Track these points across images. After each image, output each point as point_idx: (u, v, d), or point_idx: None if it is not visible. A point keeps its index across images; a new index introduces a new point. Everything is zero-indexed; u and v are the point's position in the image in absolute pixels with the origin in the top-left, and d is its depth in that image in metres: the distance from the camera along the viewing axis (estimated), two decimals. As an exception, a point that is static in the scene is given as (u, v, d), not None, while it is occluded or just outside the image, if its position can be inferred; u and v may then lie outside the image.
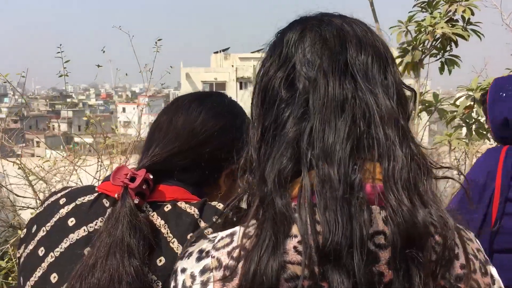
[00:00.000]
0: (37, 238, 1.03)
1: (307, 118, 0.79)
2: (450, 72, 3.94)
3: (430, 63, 4.05)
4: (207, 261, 0.78)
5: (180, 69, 32.62)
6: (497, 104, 1.94)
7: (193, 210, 1.02)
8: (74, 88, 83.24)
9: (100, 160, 3.25)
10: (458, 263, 0.80)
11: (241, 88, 32.66)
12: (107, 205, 1.03)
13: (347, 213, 0.73)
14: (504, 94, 1.93)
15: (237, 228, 0.80)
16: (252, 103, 0.89)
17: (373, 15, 4.02)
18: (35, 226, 1.06)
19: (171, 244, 0.98)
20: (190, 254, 0.81)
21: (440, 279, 0.77)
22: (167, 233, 0.99)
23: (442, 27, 3.64)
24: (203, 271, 0.78)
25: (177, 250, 0.97)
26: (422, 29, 3.67)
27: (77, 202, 1.04)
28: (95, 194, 1.06)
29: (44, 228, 1.03)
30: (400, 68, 3.93)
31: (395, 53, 3.93)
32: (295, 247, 0.74)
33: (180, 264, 0.82)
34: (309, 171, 0.77)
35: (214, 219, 0.99)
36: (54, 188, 3.32)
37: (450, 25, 3.73)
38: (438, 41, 3.84)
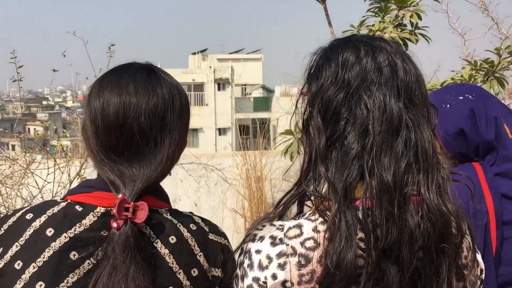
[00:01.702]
0: (8, 255, 1.00)
1: (368, 136, 0.96)
2: (401, 74, 4.06)
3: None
4: (282, 247, 0.96)
5: (157, 71, 32.16)
6: (445, 118, 1.71)
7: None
8: (50, 91, 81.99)
9: (56, 163, 3.31)
10: (463, 252, 1.04)
11: (219, 89, 32.53)
12: (80, 210, 1.04)
13: (400, 217, 0.94)
14: (448, 105, 1.74)
15: (301, 221, 0.99)
16: (309, 113, 1.04)
17: (327, 19, 4.15)
18: (0, 248, 1.02)
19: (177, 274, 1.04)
20: (262, 238, 0.99)
21: (455, 267, 1.02)
22: (173, 263, 1.04)
23: (390, 32, 3.78)
24: (279, 255, 0.96)
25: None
26: (372, 33, 3.81)
27: (48, 213, 1.03)
28: (64, 204, 1.06)
29: (16, 243, 1.01)
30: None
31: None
32: (357, 243, 0.93)
33: (252, 246, 0.99)
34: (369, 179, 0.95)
35: (275, 212, 1.07)
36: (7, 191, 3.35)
37: (399, 30, 3.88)
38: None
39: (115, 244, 0.97)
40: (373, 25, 3.89)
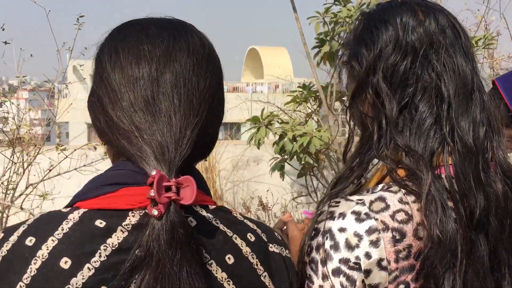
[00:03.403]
0: None
1: (443, 101, 0.92)
2: (362, 63, 4.11)
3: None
4: (371, 223, 0.87)
5: (67, 61, 30.65)
6: None
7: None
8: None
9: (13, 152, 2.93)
10: None
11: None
12: (102, 225, 0.74)
13: (487, 183, 0.90)
14: None
15: (381, 194, 0.90)
16: (367, 81, 0.97)
17: (292, 5, 4.08)
18: None
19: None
20: (343, 214, 0.89)
21: None
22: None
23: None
24: (369, 231, 0.86)
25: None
26: (340, 20, 3.79)
27: (57, 235, 0.73)
28: (76, 216, 0.75)
29: (20, 283, 0.71)
30: (317, 58, 4.04)
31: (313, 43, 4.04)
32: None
33: (333, 224, 0.89)
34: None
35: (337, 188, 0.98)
36: None
37: (364, 18, 3.89)
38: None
39: (159, 238, 0.70)
40: (339, 12, 3.89)
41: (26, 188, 3.09)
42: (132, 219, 0.75)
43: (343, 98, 4.35)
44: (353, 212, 0.88)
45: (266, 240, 0.85)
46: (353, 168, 1.00)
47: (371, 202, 0.88)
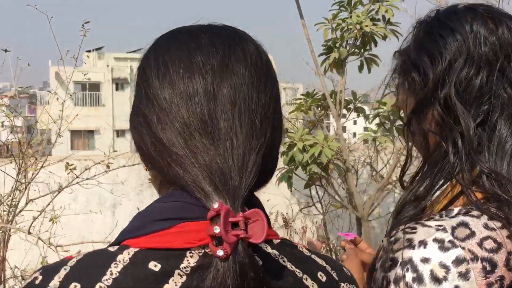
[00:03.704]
0: None
1: None
2: (369, 70, 4.03)
3: (348, 62, 4.11)
4: (458, 252, 0.78)
5: (48, 68, 30.33)
6: None
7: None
8: None
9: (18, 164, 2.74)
10: None
11: (117, 89, 31.31)
12: (157, 268, 0.64)
13: None
14: None
15: (463, 219, 0.82)
16: (435, 95, 0.90)
17: (299, 11, 3.97)
18: None
19: None
20: (424, 243, 0.80)
21: None
22: None
23: (366, 25, 3.70)
24: (457, 262, 0.78)
25: None
26: (351, 27, 3.69)
27: (106, 281, 0.62)
28: (126, 258, 0.64)
29: None
30: (325, 65, 3.93)
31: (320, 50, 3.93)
32: None
33: (414, 254, 0.80)
34: None
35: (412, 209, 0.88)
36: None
37: (372, 24, 3.81)
38: (359, 40, 3.90)
39: (226, 283, 0.60)
40: (347, 18, 3.79)
41: (26, 204, 2.91)
42: (191, 260, 0.64)
43: (348, 106, 4.27)
44: (436, 240, 0.79)
45: (337, 278, 0.75)
46: (423, 191, 0.90)
47: (453, 228, 0.80)
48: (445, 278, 0.77)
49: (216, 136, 0.67)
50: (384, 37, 3.86)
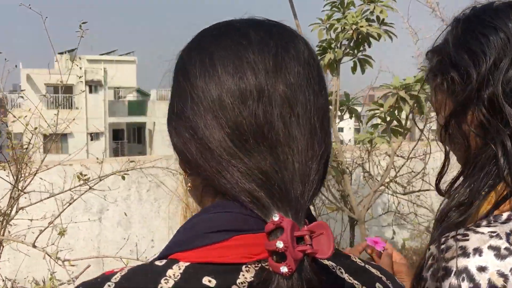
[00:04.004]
0: None
1: None
2: (363, 71, 4.00)
3: (342, 63, 4.08)
4: None
5: (19, 70, 29.64)
6: None
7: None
8: None
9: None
10: None
11: (90, 92, 30.87)
12: (212, 285, 0.58)
13: None
14: None
15: None
16: (486, 91, 0.85)
17: (292, 11, 3.91)
18: None
19: None
20: (479, 250, 0.77)
21: None
22: None
23: (362, 26, 3.67)
24: None
25: None
26: (346, 27, 3.66)
27: None
28: (177, 273, 0.59)
29: None
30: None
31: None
32: None
33: (469, 262, 0.76)
34: None
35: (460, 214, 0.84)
36: None
37: (368, 25, 3.79)
38: (352, 41, 3.87)
39: None
40: (342, 18, 3.75)
41: (17, 212, 2.77)
42: (247, 275, 0.59)
43: (341, 108, 4.23)
44: (491, 247, 0.77)
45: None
46: (470, 196, 0.86)
47: (508, 235, 0.78)
48: (504, 287, 0.74)
49: (274, 142, 0.61)
50: (379, 38, 3.84)
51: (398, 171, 4.39)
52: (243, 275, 0.59)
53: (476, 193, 0.85)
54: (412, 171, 4.45)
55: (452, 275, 0.77)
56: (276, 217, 0.56)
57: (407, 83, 3.55)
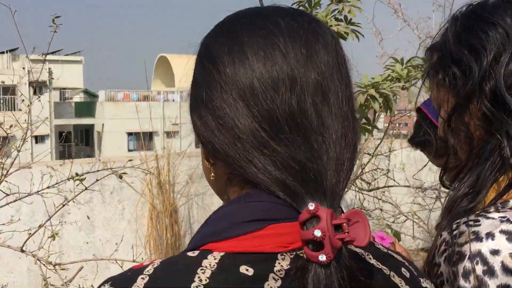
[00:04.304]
0: None
1: None
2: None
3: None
4: None
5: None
6: None
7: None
8: None
9: None
10: None
11: (35, 92, 29.70)
12: (250, 273, 0.58)
13: None
14: None
15: None
16: (488, 85, 0.88)
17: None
18: None
19: None
20: (491, 235, 0.80)
21: None
22: None
23: (331, 26, 3.72)
24: None
25: None
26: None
27: None
28: (213, 262, 0.58)
29: None
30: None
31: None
32: None
33: (482, 246, 0.79)
34: None
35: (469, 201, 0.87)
36: None
37: (336, 24, 3.84)
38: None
39: None
40: (312, 18, 3.78)
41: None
42: (283, 263, 0.59)
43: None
44: (502, 231, 0.80)
45: (416, 274, 0.71)
46: (478, 184, 0.90)
47: None
48: None
49: (308, 130, 0.60)
50: (345, 37, 3.91)
51: (364, 168, 4.49)
52: (279, 263, 0.58)
53: (484, 181, 0.88)
54: (377, 167, 4.56)
55: (466, 259, 0.80)
56: (312, 206, 0.56)
57: (376, 81, 3.63)
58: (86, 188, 2.66)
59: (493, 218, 0.82)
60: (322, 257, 0.54)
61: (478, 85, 0.89)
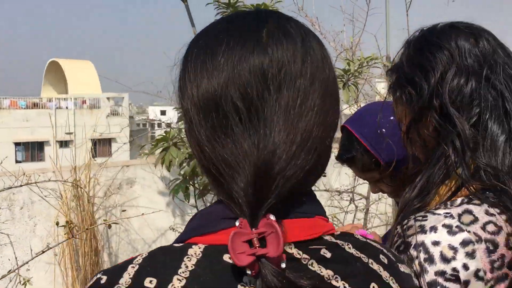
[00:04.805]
0: None
1: (510, 119, 0.96)
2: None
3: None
4: (464, 235, 0.90)
5: None
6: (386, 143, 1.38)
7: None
8: None
9: None
10: None
11: None
12: (232, 261, 0.60)
13: None
14: (384, 130, 1.42)
15: (466, 207, 0.93)
16: (431, 103, 1.00)
17: (190, 20, 3.89)
18: None
19: None
20: (434, 228, 0.91)
21: None
22: None
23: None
24: (464, 244, 0.89)
25: None
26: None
27: (182, 274, 0.60)
28: (197, 253, 0.62)
29: None
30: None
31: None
32: None
33: (426, 238, 0.90)
34: None
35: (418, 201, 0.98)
36: None
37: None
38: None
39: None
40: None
41: None
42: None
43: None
44: (444, 225, 0.91)
45: (394, 260, 0.76)
46: (427, 186, 1.00)
47: (459, 215, 0.92)
48: (454, 258, 0.88)
49: (233, 132, 0.64)
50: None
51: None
52: None
53: (432, 184, 0.99)
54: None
55: (412, 247, 0.91)
56: (237, 222, 0.60)
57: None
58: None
59: (438, 214, 0.93)
60: (249, 271, 0.58)
61: (428, 101, 1.00)
